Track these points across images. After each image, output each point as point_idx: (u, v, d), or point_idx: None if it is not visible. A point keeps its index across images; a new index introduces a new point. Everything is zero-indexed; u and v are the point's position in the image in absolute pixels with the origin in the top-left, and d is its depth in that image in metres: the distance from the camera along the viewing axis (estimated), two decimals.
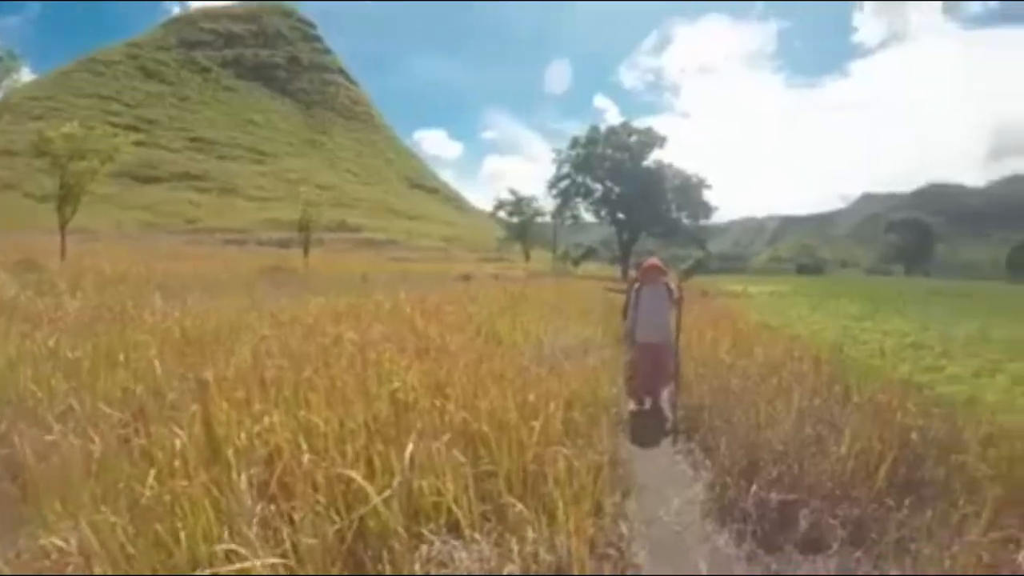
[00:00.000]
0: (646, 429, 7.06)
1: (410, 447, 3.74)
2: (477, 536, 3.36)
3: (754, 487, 4.41)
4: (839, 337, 12.16)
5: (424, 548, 3.25)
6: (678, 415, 7.02)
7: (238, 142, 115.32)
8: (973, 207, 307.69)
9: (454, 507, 3.54)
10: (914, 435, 4.97)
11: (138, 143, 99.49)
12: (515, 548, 3.26)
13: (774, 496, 4.29)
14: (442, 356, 6.41)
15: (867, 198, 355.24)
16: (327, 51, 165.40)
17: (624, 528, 3.98)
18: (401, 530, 3.28)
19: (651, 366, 7.77)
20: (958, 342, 12.59)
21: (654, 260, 8.65)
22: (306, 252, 40.96)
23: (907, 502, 4.08)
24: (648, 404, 7.90)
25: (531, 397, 4.96)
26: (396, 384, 5.09)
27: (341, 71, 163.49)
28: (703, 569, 3.86)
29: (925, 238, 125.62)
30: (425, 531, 3.39)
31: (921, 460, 4.72)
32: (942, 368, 9.60)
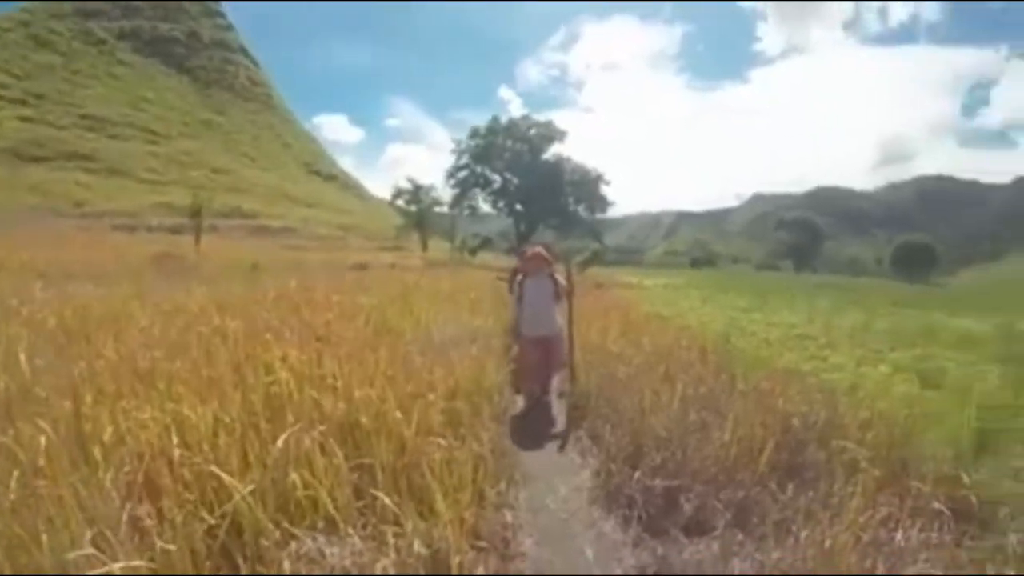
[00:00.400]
0: (533, 418, 7.12)
1: (281, 440, 3.68)
2: (350, 531, 3.32)
3: (639, 473, 4.52)
4: (727, 328, 12.55)
5: (293, 545, 3.18)
6: (567, 403, 7.06)
7: (130, 120, 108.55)
8: (860, 209, 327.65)
9: (327, 501, 3.48)
10: (796, 421, 5.21)
11: (24, 119, 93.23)
12: (391, 542, 3.23)
13: (659, 482, 4.40)
14: (326, 346, 6.33)
15: (760, 197, 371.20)
16: (229, 27, 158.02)
17: (509, 517, 4.04)
18: (272, 527, 3.22)
19: (537, 361, 7.54)
20: (842, 333, 13.25)
21: (538, 249, 8.20)
22: (197, 239, 39.59)
23: (790, 485, 4.27)
24: (534, 396, 7.61)
25: (410, 387, 4.97)
26: (274, 376, 5.03)
27: (242, 49, 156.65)
28: (589, 554, 3.92)
29: (814, 236, 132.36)
30: (298, 527, 3.34)
31: (803, 445, 4.93)
32: (826, 357, 10.05)
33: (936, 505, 3.83)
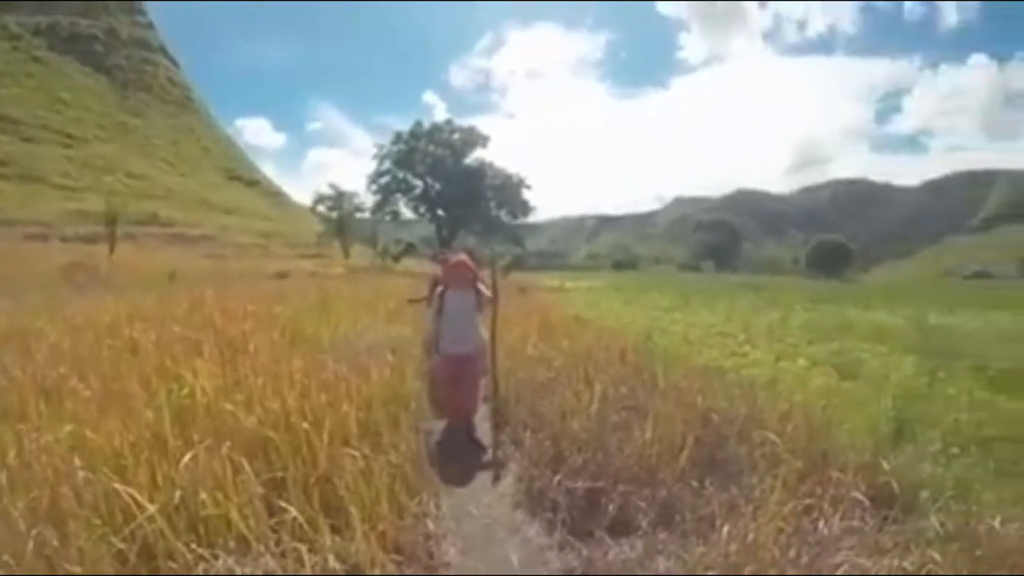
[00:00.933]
0: (454, 428, 6.91)
1: (188, 457, 3.61)
2: (262, 549, 3.22)
3: (561, 477, 4.53)
4: (648, 327, 12.64)
5: (202, 566, 3.07)
6: (488, 408, 6.93)
7: (45, 123, 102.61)
8: (777, 211, 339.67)
9: (238, 519, 3.36)
10: (716, 417, 5.29)
11: None
12: (305, 559, 3.15)
13: (582, 484, 4.41)
14: (241, 357, 6.28)
15: (681, 200, 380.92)
16: (149, 25, 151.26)
17: (430, 527, 3.99)
18: (182, 548, 3.12)
19: (457, 380, 6.74)
20: (761, 330, 13.53)
21: (462, 258, 7.32)
22: (112, 248, 37.99)
23: (712, 481, 4.35)
24: (457, 428, 6.85)
25: (324, 398, 4.92)
26: (186, 389, 4.97)
27: (162, 49, 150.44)
28: (514, 560, 3.91)
29: (733, 238, 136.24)
30: (207, 547, 3.22)
31: (724, 440, 5.02)
32: (745, 354, 10.22)
33: (857, 492, 3.88)
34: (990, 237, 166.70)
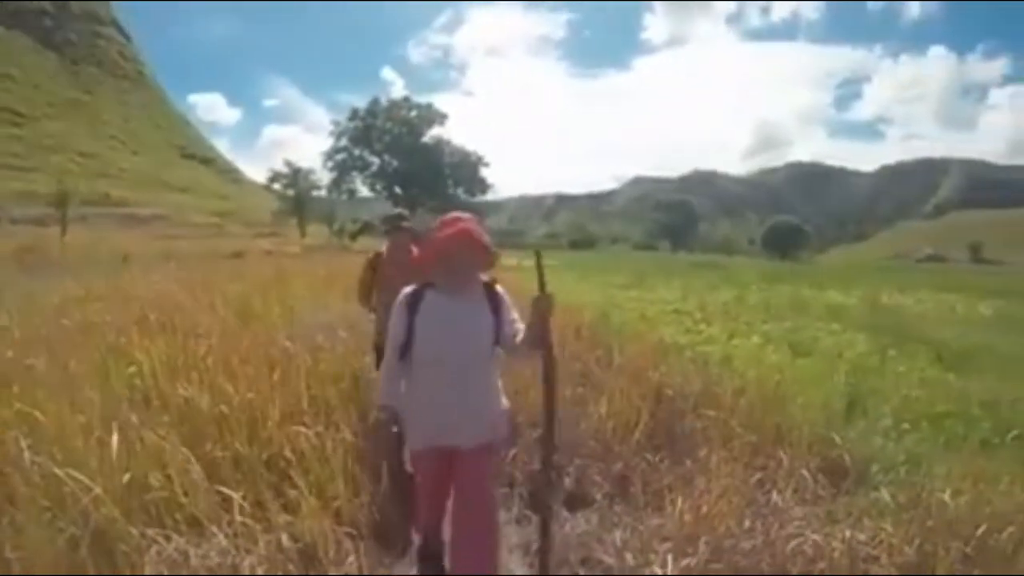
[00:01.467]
0: None
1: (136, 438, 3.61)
2: (215, 529, 3.17)
3: (515, 451, 4.52)
4: (605, 305, 12.69)
5: (154, 549, 3.02)
6: None
7: None
8: (734, 192, 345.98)
9: (189, 500, 3.33)
10: (670, 392, 5.37)
11: None
12: (259, 537, 3.13)
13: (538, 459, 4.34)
14: (192, 337, 6.17)
15: (638, 180, 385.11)
16: None
17: (388, 504, 3.91)
18: (133, 531, 3.05)
19: (443, 488, 6.09)
20: (716, 308, 13.69)
21: (464, 223, 5.40)
22: (63, 231, 36.96)
23: (667, 454, 4.40)
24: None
25: (276, 376, 4.89)
26: (133, 368, 4.91)
27: (114, 22, 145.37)
28: None
29: (689, 218, 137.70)
30: (159, 528, 3.15)
31: (680, 415, 5.05)
32: (701, 331, 10.33)
33: (811, 465, 3.97)
34: (943, 222, 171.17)
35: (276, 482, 3.66)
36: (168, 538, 3.07)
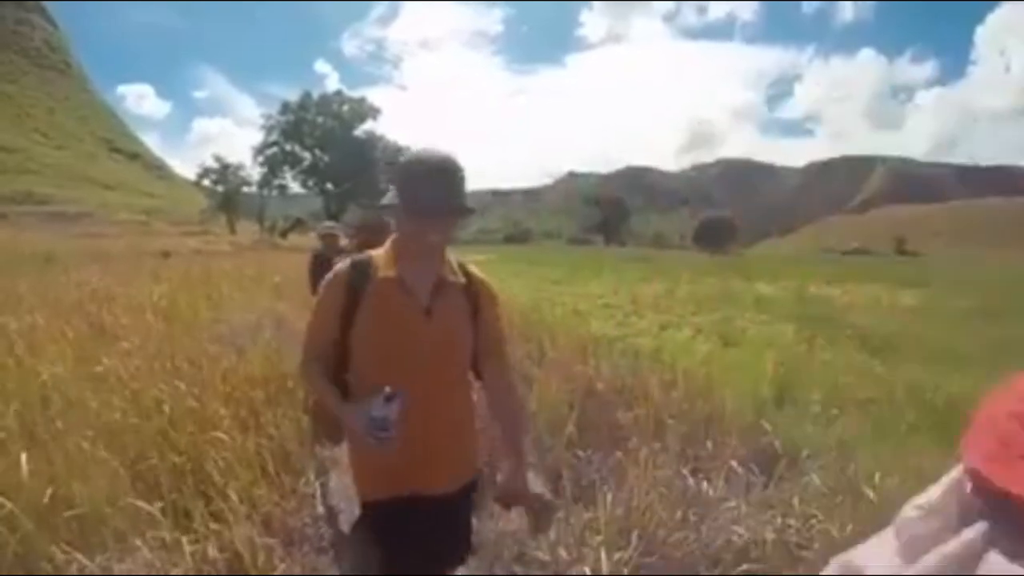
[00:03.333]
0: None
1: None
2: (138, 543, 3.05)
3: None
4: (536, 299, 12.70)
5: (75, 566, 2.91)
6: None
7: None
8: (666, 188, 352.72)
9: (109, 512, 3.20)
10: (601, 385, 5.39)
11: None
12: (186, 549, 3.01)
13: None
14: (111, 343, 6.10)
15: (572, 176, 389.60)
16: None
17: (320, 508, 3.85)
18: (54, 548, 2.93)
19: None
20: (647, 301, 13.84)
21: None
22: None
23: (598, 447, 4.39)
24: None
25: (200, 380, 4.84)
26: (45, 376, 4.77)
27: (39, 8, 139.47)
28: None
29: (621, 213, 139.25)
30: (81, 544, 3.03)
31: (611, 407, 5.06)
32: (632, 324, 10.41)
33: (741, 454, 3.99)
34: (869, 217, 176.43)
35: (203, 490, 3.54)
36: (91, 555, 2.96)
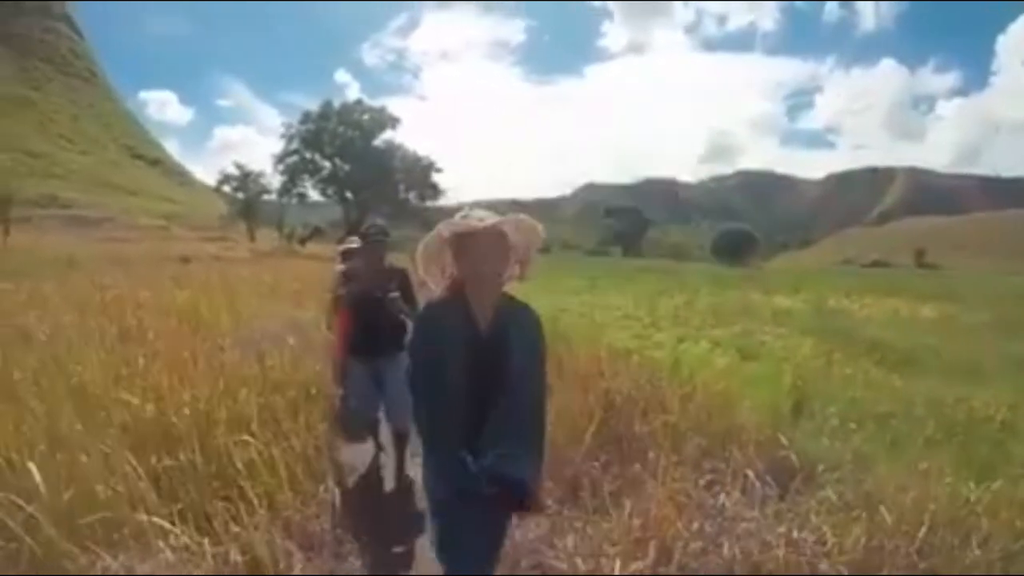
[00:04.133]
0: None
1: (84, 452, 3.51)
2: (161, 544, 3.10)
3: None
4: (556, 310, 12.73)
5: (99, 565, 2.96)
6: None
7: None
8: (685, 199, 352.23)
9: (135, 514, 3.24)
10: (619, 398, 5.34)
11: None
12: (207, 551, 3.08)
13: None
14: (138, 346, 6.13)
15: (590, 187, 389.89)
16: None
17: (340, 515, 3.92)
18: (75, 548, 2.99)
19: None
20: (666, 313, 13.85)
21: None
22: (6, 231, 36.19)
23: (616, 459, 4.45)
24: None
25: (223, 385, 4.84)
26: (75, 379, 4.81)
27: (66, 17, 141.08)
28: (425, 543, 3.75)
29: (640, 224, 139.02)
30: (104, 544, 3.09)
31: (629, 419, 5.04)
32: (650, 336, 10.43)
33: (758, 467, 3.99)
34: (888, 229, 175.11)
35: (225, 494, 3.60)
36: (114, 555, 3.00)
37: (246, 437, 3.99)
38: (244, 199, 65.53)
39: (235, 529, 3.25)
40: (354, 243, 6.01)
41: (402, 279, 4.78)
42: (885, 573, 2.99)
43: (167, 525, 3.21)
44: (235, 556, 3.11)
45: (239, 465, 3.73)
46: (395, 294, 4.58)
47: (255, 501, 3.41)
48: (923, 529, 3.17)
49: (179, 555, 3.06)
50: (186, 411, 4.26)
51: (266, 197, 67.65)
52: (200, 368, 5.23)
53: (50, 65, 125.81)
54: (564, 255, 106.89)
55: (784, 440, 4.46)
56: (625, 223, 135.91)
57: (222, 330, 7.79)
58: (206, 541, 3.13)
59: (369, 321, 4.69)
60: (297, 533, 3.55)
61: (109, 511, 3.23)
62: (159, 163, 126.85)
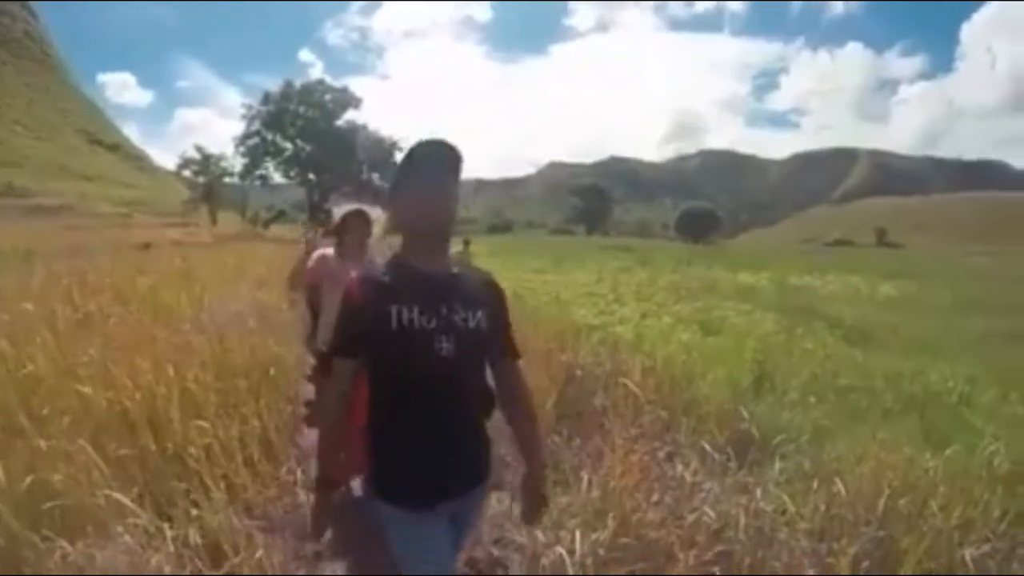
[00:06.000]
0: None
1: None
2: (120, 529, 3.05)
3: None
4: (519, 289, 12.71)
5: (58, 554, 2.88)
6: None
7: None
8: (649, 178, 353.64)
9: (90, 501, 3.17)
10: (580, 372, 5.44)
11: None
12: (167, 534, 3.04)
13: None
14: (96, 333, 5.92)
15: (555, 165, 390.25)
16: None
17: (302, 496, 3.87)
18: (35, 537, 2.94)
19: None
20: (629, 289, 13.89)
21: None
22: None
23: (577, 432, 4.47)
24: None
25: (183, 369, 4.67)
26: (30, 367, 4.64)
27: None
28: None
29: (604, 202, 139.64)
30: (63, 533, 3.00)
31: (590, 393, 5.09)
32: (613, 312, 10.43)
33: (718, 439, 4.03)
34: (851, 209, 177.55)
35: (184, 478, 3.55)
36: (73, 542, 2.94)
37: (204, 422, 3.93)
38: (206, 183, 64.70)
39: (195, 512, 3.22)
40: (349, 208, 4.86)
41: None
42: (844, 541, 3.00)
43: (128, 505, 3.16)
44: (195, 538, 3.07)
45: (196, 449, 3.68)
46: None
47: (211, 484, 3.37)
48: (882, 498, 3.20)
49: (139, 539, 3.01)
50: (141, 396, 4.17)
51: (228, 180, 66.91)
52: (160, 353, 5.07)
53: (3, 48, 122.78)
54: (529, 234, 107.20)
55: (745, 413, 4.49)
56: (589, 202, 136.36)
57: (183, 315, 7.68)
58: (166, 525, 3.10)
59: None
60: (258, 515, 3.54)
61: (66, 500, 3.17)
62: (118, 148, 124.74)
